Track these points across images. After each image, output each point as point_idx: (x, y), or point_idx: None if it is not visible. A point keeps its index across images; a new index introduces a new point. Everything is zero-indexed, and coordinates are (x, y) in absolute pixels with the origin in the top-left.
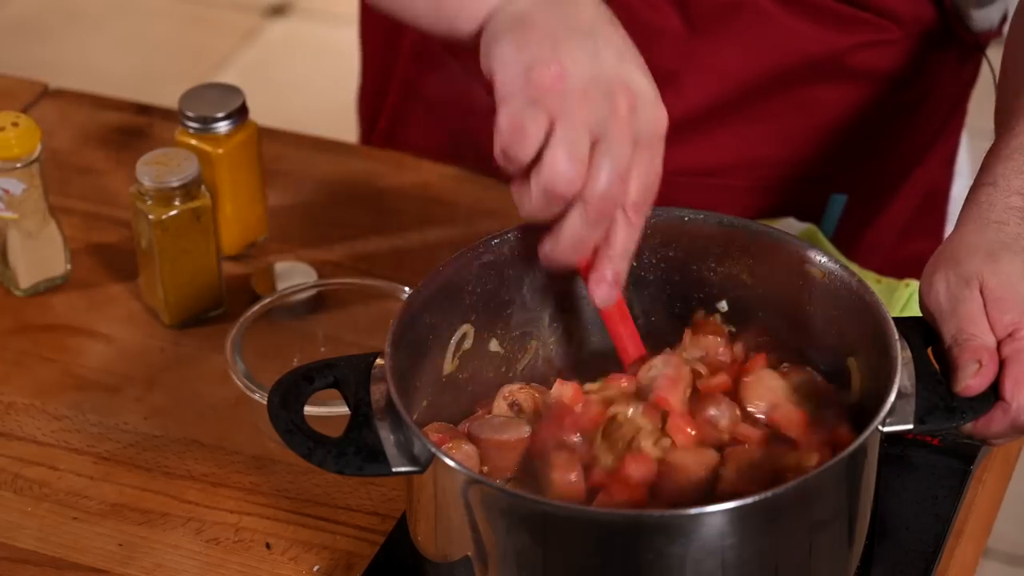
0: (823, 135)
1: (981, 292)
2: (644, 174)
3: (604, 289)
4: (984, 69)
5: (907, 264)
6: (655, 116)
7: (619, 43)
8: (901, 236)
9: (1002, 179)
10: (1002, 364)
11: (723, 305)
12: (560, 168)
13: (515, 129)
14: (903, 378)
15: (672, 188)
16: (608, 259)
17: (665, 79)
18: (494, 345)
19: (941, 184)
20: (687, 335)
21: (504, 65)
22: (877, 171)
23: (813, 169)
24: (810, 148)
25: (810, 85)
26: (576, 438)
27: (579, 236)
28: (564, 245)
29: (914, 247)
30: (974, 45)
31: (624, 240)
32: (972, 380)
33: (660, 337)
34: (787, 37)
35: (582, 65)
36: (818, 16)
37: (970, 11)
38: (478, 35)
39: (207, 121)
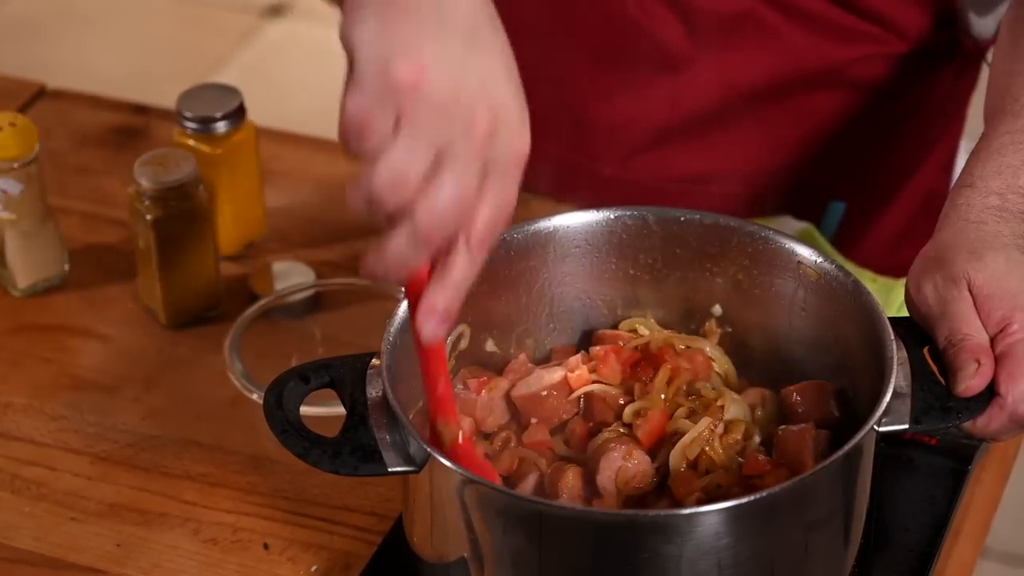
0: (821, 143)
1: (970, 291)
2: (493, 204)
3: (433, 322)
4: (982, 76)
5: (904, 268)
6: (515, 142)
7: (494, 52)
8: (899, 240)
9: (980, 180)
10: (996, 360)
11: (717, 309)
12: (389, 171)
13: (358, 122)
14: (899, 378)
15: (670, 195)
16: (441, 288)
17: (665, 87)
18: (490, 345)
19: (938, 189)
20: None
21: (363, 47)
22: (875, 178)
23: (811, 176)
24: (808, 155)
25: (808, 94)
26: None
27: (402, 255)
28: (386, 260)
29: (912, 251)
30: (975, 52)
31: (462, 272)
32: (972, 380)
33: None
34: (790, 49)
35: (446, 70)
36: (822, 29)
37: (971, 17)
38: None
39: (205, 121)
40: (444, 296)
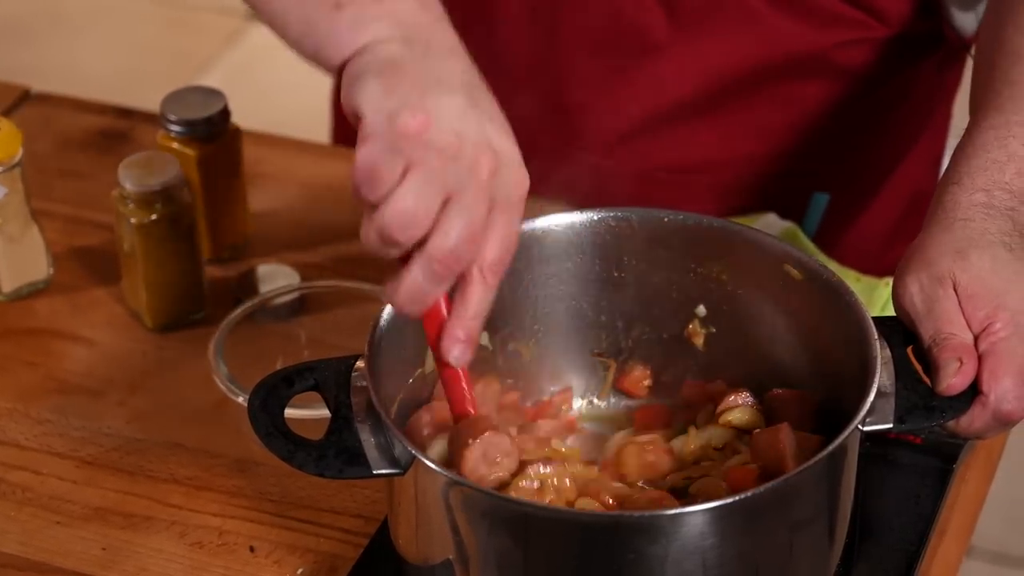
0: (803, 131)
1: (955, 290)
2: (501, 236)
3: (458, 348)
4: (967, 73)
5: (893, 267)
6: (516, 180)
7: (487, 104)
8: (887, 239)
9: (966, 177)
10: (979, 359)
11: (701, 309)
12: (399, 211)
13: (370, 170)
14: (883, 377)
15: (653, 185)
16: (461, 319)
17: (648, 73)
18: (483, 339)
19: (925, 187)
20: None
21: (370, 105)
22: (858, 169)
23: (794, 165)
24: (791, 143)
25: (791, 81)
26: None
27: (419, 288)
28: (403, 295)
29: (900, 250)
30: (959, 46)
31: (479, 300)
32: (954, 379)
33: (640, 342)
34: (771, 33)
35: (448, 120)
36: (804, 13)
37: (952, 11)
38: (343, 66)
39: (189, 124)
40: (464, 326)
